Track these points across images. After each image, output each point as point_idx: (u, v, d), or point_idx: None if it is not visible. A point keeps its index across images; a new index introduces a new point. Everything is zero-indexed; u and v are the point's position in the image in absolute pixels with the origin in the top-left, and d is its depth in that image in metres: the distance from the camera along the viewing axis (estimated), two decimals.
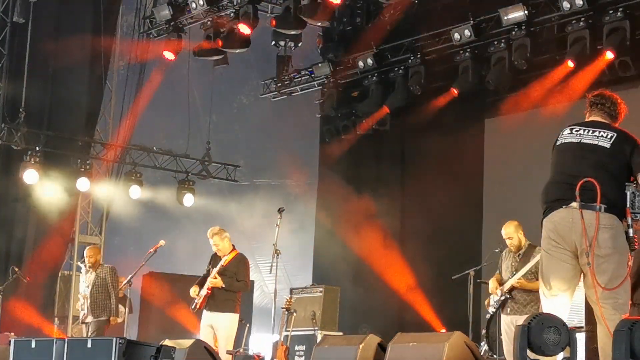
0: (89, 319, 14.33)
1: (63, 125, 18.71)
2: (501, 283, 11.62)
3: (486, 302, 12.03)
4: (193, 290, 12.68)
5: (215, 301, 12.55)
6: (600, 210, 6.81)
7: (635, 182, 6.93)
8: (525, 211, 11.18)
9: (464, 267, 13.70)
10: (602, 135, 7.07)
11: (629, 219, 6.85)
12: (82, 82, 18.56)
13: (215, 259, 12.79)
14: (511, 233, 11.57)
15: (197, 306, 12.66)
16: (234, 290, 12.59)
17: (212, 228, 13.00)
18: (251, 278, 20.01)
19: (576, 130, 7.20)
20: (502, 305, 11.58)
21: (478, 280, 13.62)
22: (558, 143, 7.28)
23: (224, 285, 12.45)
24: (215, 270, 12.55)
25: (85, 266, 14.70)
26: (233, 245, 12.89)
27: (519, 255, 11.52)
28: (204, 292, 12.55)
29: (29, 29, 18.21)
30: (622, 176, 6.96)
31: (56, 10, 18.66)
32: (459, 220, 17.43)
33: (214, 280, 12.48)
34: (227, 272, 12.56)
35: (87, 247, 15.08)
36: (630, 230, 6.87)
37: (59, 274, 18.69)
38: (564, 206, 6.95)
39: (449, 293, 15.29)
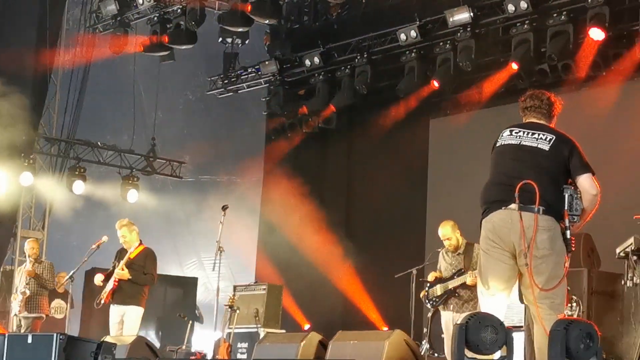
0: (24, 314, 14.33)
1: (7, 118, 18.51)
2: (442, 280, 11.72)
3: (422, 294, 12.08)
4: (98, 278, 12.63)
5: (122, 294, 12.55)
6: (539, 212, 6.88)
7: (572, 184, 7.04)
8: (468, 211, 11.21)
9: (407, 266, 13.79)
10: (541, 138, 7.14)
11: (567, 221, 6.92)
12: (26, 76, 18.37)
13: (122, 253, 12.78)
14: (449, 234, 11.67)
15: (102, 300, 12.61)
16: (140, 284, 12.60)
17: (121, 220, 13.03)
18: (195, 275, 20.16)
19: (516, 132, 7.26)
20: (444, 301, 11.68)
21: (420, 279, 13.69)
22: (498, 144, 7.34)
23: (130, 277, 12.43)
24: (122, 262, 12.52)
25: (28, 259, 14.66)
26: (140, 240, 12.85)
27: (458, 254, 11.61)
28: (110, 285, 12.53)
29: None
30: (561, 178, 7.04)
31: (1, 3, 18.47)
32: (403, 219, 17.55)
33: (121, 272, 12.45)
34: (134, 265, 12.58)
35: (28, 240, 15.03)
36: (568, 232, 6.94)
37: (1, 269, 18.51)
38: (503, 207, 7.00)
39: (391, 291, 15.37)
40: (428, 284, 11.93)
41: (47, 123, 19.79)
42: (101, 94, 20.15)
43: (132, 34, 18.65)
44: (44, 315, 14.64)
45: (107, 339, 11.23)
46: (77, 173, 19.19)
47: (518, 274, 7.07)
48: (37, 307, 14.44)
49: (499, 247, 7.05)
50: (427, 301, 11.94)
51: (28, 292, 14.26)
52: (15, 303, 14.48)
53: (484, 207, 7.22)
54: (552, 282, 6.90)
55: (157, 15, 18.15)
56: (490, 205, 7.14)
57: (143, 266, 12.61)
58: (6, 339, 9.06)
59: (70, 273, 13.82)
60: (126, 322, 12.50)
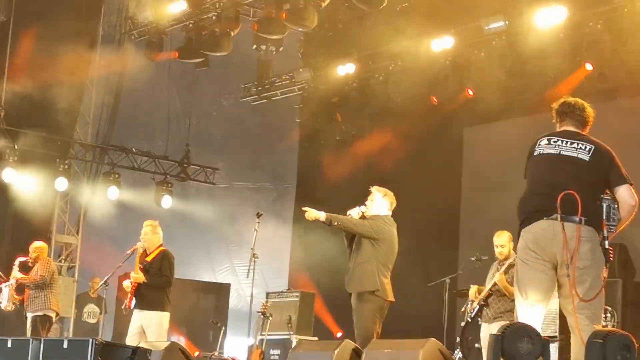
0: (28, 313, 14.32)
1: (42, 124, 18.65)
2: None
3: (462, 310, 12.07)
4: (126, 283, 12.61)
5: (142, 299, 12.44)
6: (581, 223, 6.86)
7: (610, 194, 7.00)
8: (502, 220, 11.24)
9: (440, 275, 13.75)
10: (580, 148, 7.10)
11: (605, 231, 6.90)
12: (62, 82, 18.49)
13: (143, 256, 12.71)
14: (504, 242, 11.56)
15: (127, 306, 12.58)
16: (155, 286, 12.53)
17: (150, 219, 12.96)
18: (228, 281, 20.18)
19: (554, 141, 7.21)
20: (479, 312, 11.65)
21: (454, 291, 13.68)
22: (535, 153, 7.28)
23: (145, 281, 12.38)
24: (137, 265, 12.47)
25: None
26: (161, 244, 12.79)
27: (501, 265, 11.53)
28: (129, 288, 12.49)
29: (10, 27, 18.14)
30: (599, 189, 7.02)
31: (38, 9, 18.59)
32: (436, 227, 17.47)
33: (136, 275, 12.41)
34: (151, 268, 12.48)
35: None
36: (606, 243, 6.91)
37: None
38: (544, 218, 6.96)
39: (424, 300, 15.34)
40: (470, 301, 11.90)
41: (82, 129, 19.90)
42: (136, 100, 20.23)
43: (167, 40, 18.72)
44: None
45: (141, 344, 11.25)
46: (111, 179, 19.30)
47: (556, 284, 7.04)
48: (36, 306, 14.38)
49: (539, 257, 7.00)
50: (466, 315, 11.88)
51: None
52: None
53: (523, 217, 7.17)
54: (592, 292, 6.86)
55: (192, 22, 18.21)
56: (530, 215, 7.10)
57: (159, 268, 12.56)
58: (42, 344, 9.12)
59: (105, 279, 13.85)
60: (151, 328, 12.43)
